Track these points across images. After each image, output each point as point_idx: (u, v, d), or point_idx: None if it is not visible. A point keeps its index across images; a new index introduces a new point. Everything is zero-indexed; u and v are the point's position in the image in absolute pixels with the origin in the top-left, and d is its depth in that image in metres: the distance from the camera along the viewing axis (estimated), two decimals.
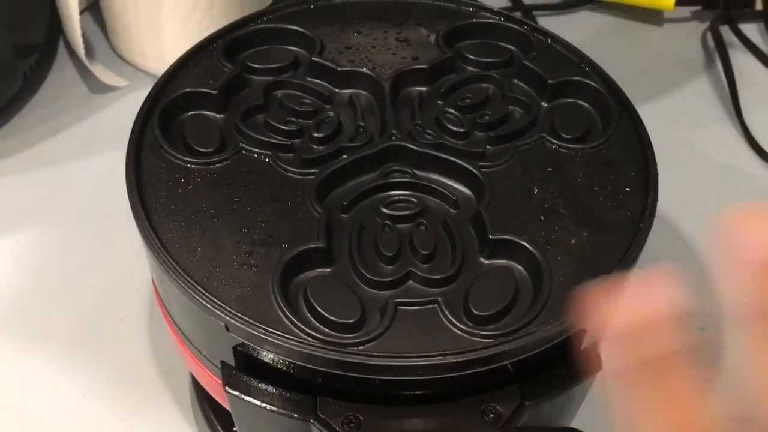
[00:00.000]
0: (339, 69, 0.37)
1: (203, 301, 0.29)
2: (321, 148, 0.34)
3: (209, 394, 0.41)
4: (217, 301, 0.29)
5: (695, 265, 0.51)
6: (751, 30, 0.64)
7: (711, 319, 0.47)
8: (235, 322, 0.28)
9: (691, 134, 0.57)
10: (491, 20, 0.39)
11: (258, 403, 0.29)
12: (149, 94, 0.35)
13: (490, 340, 0.28)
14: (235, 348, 0.30)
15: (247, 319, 0.28)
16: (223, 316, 0.29)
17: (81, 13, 0.56)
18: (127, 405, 0.44)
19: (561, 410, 0.30)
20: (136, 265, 0.49)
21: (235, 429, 0.33)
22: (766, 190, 0.54)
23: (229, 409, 0.33)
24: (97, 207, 0.52)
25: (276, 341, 0.28)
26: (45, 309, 0.48)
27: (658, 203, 0.32)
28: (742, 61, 0.61)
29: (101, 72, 0.57)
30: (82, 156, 0.55)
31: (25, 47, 0.55)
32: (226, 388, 0.30)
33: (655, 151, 0.34)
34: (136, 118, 0.35)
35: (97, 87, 0.58)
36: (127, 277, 0.49)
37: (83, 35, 0.55)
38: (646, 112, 0.35)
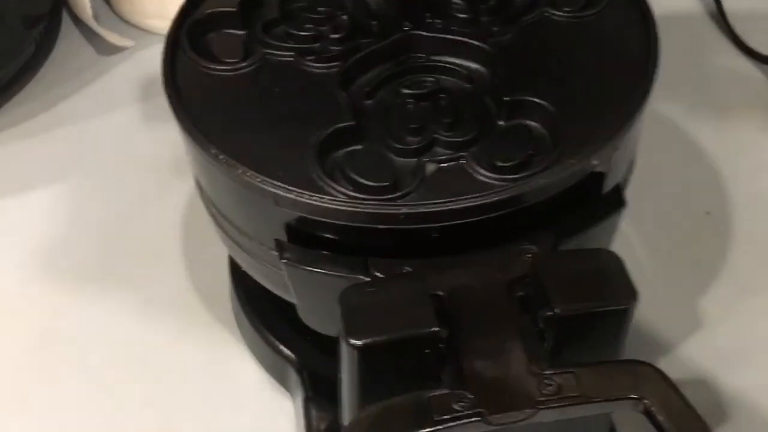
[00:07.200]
0: None
1: (254, 181, 0.32)
2: (339, 47, 0.37)
3: (256, 304, 0.44)
4: (266, 179, 0.32)
5: (697, 153, 0.54)
6: None
7: (716, 203, 0.51)
8: (284, 194, 0.31)
9: (678, 43, 0.60)
10: None
11: (314, 269, 0.32)
12: (175, 18, 0.38)
13: (516, 183, 0.31)
14: (286, 224, 0.32)
15: (295, 189, 0.31)
16: (274, 191, 0.31)
17: None
18: (174, 331, 0.47)
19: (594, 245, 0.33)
20: (164, 205, 0.52)
21: (295, 305, 0.35)
22: (755, 86, 0.57)
23: (282, 293, 0.36)
24: (118, 157, 0.55)
25: (324, 205, 0.31)
26: (84, 253, 0.50)
27: (653, 105, 0.34)
28: None
29: (108, 34, 0.59)
30: (99, 113, 0.58)
31: (33, 17, 0.58)
32: (283, 261, 0.32)
33: None
34: (166, 40, 0.37)
35: (104, 49, 0.61)
36: (157, 217, 0.52)
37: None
38: None
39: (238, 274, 0.46)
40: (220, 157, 0.32)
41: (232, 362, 0.46)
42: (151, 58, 0.61)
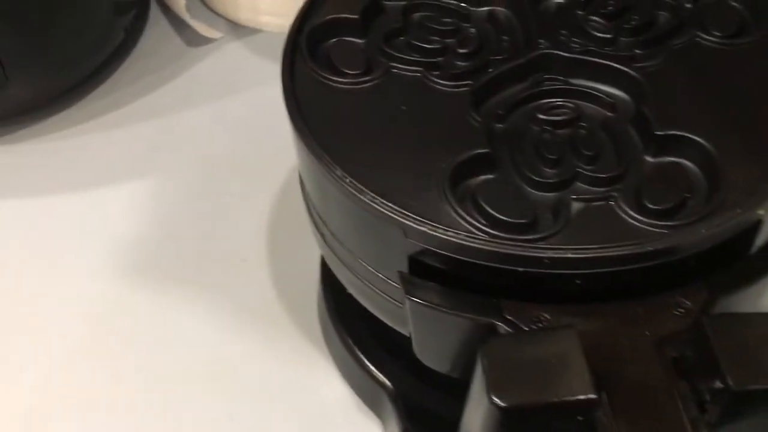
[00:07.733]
0: None
1: (383, 209, 0.29)
2: (467, 63, 0.34)
3: (348, 320, 0.42)
4: (396, 208, 0.29)
5: None
6: None
7: None
8: (416, 226, 0.29)
9: None
10: None
11: (443, 308, 0.29)
12: (295, 21, 0.36)
13: (672, 231, 0.28)
14: (410, 256, 0.30)
15: (429, 223, 0.29)
16: (405, 222, 0.29)
17: None
18: (259, 341, 0.45)
19: (749, 302, 0.30)
20: (249, 206, 0.50)
21: (409, 337, 0.33)
22: None
23: (392, 323, 0.34)
24: (204, 155, 0.53)
25: (461, 242, 0.28)
26: (163, 254, 0.49)
27: None
28: None
29: (197, 24, 0.57)
30: (185, 107, 0.56)
31: (125, 3, 0.56)
32: (408, 296, 0.30)
33: None
34: (285, 46, 0.35)
35: (192, 40, 0.59)
36: (242, 219, 0.50)
37: None
38: None
39: (329, 286, 0.44)
40: (347, 180, 0.30)
41: (317, 379, 0.44)
42: (240, 51, 0.60)
